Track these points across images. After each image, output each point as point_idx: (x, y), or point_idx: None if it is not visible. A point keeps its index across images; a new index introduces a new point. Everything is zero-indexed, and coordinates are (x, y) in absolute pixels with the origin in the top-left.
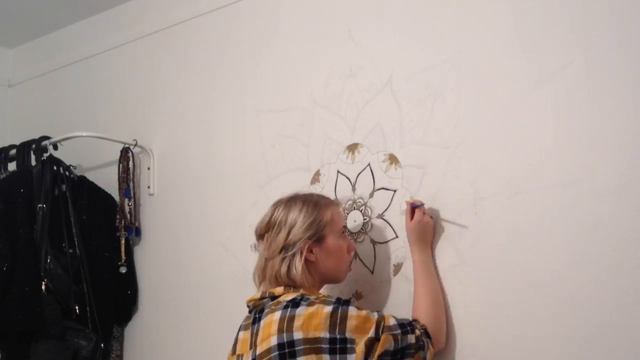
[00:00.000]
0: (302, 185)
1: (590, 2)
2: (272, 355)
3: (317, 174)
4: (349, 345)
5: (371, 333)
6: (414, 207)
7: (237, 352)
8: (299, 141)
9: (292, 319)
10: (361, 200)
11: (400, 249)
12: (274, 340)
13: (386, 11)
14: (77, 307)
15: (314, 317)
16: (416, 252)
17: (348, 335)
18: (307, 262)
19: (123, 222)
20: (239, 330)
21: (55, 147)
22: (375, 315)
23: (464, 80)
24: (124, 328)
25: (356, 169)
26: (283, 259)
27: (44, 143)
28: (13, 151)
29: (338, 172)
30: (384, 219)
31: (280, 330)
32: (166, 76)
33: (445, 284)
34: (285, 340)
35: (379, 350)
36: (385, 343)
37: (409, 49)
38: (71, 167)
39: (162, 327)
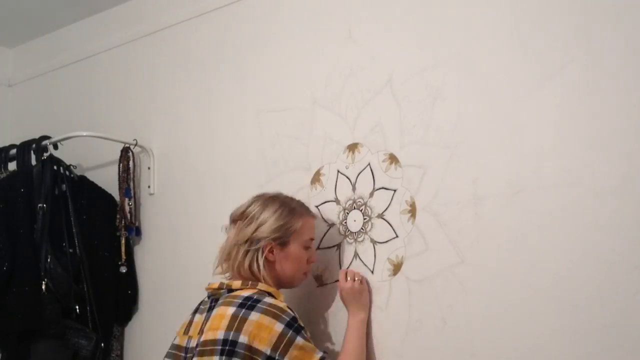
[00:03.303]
0: (302, 184)
1: (590, 2)
2: (215, 347)
3: (317, 173)
4: None
5: None
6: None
7: (190, 334)
8: (299, 141)
9: (243, 321)
10: (361, 200)
11: (400, 249)
12: (220, 334)
13: (386, 11)
14: (77, 307)
15: (263, 330)
16: (350, 314)
17: None
18: (265, 261)
19: (123, 222)
20: (194, 312)
21: (56, 147)
22: (318, 356)
23: (464, 80)
24: (124, 327)
25: (356, 169)
26: (247, 252)
27: (44, 143)
28: (13, 151)
29: (338, 171)
30: (384, 219)
31: (229, 328)
32: (166, 76)
33: (445, 283)
34: (230, 338)
35: None
36: None
37: (409, 49)
38: (71, 167)
39: (162, 326)
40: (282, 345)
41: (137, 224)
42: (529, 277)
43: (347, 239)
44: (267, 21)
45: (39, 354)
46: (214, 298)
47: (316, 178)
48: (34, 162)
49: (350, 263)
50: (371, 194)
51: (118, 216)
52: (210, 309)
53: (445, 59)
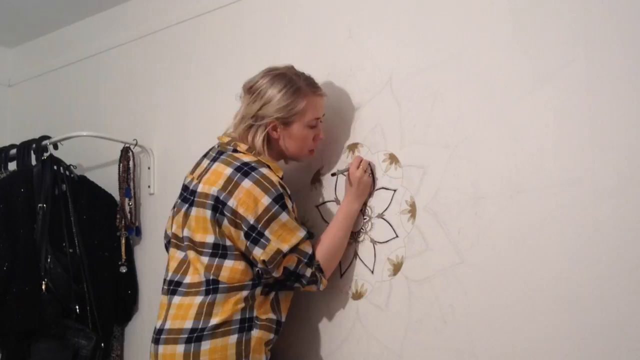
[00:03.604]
0: (302, 185)
1: (590, 2)
2: (207, 202)
3: (318, 173)
4: (262, 240)
5: (285, 248)
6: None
7: (194, 175)
8: None
9: (236, 186)
10: None
11: (400, 249)
12: (214, 191)
13: (386, 11)
14: (77, 307)
15: (250, 199)
16: (346, 200)
17: (266, 233)
18: (270, 137)
19: (123, 222)
20: (204, 156)
21: (56, 147)
22: (301, 234)
23: (464, 80)
24: (124, 327)
25: None
26: (250, 127)
27: (44, 143)
28: (13, 151)
29: (338, 171)
30: (384, 219)
31: (223, 188)
32: (166, 76)
33: (445, 283)
34: (221, 198)
35: (282, 264)
36: (289, 262)
37: (409, 49)
38: (71, 167)
39: None
40: (265, 218)
41: (137, 224)
42: (529, 277)
43: None
44: (267, 21)
45: (39, 354)
46: (220, 150)
47: (316, 178)
48: (34, 162)
49: (350, 263)
50: (371, 194)
51: (118, 216)
52: (215, 159)
53: (445, 59)
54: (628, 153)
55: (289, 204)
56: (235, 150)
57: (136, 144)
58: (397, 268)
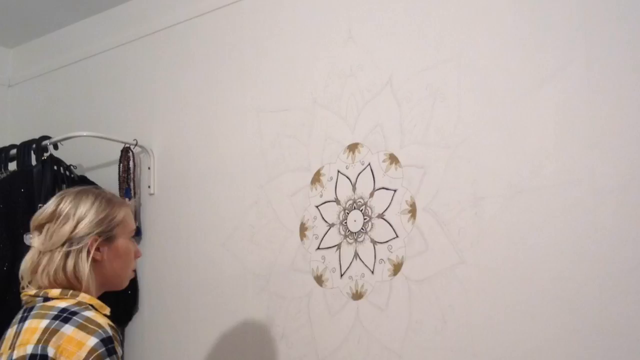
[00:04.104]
0: (302, 185)
1: (590, 2)
2: None
3: (318, 173)
4: None
5: None
6: None
7: (1, 350)
8: (299, 141)
9: (54, 333)
10: (361, 200)
11: (400, 249)
12: (29, 349)
13: (386, 11)
14: None
15: (73, 344)
16: None
17: None
18: (92, 262)
19: None
20: (9, 326)
21: (56, 147)
22: None
23: (464, 80)
24: (124, 328)
25: (356, 169)
26: (67, 254)
27: (44, 143)
28: (13, 151)
29: (338, 171)
30: (384, 219)
31: (39, 341)
32: (166, 76)
33: (445, 283)
34: (39, 352)
35: None
36: None
37: (409, 49)
38: (71, 167)
39: (162, 327)
40: None
41: (137, 224)
42: (529, 277)
43: (347, 239)
44: (267, 21)
45: None
46: (29, 307)
47: (316, 178)
48: (34, 162)
49: (350, 263)
50: (371, 194)
51: None
52: (23, 319)
53: (445, 59)
54: (628, 153)
55: (119, 351)
56: (46, 299)
57: (136, 144)
58: (397, 268)
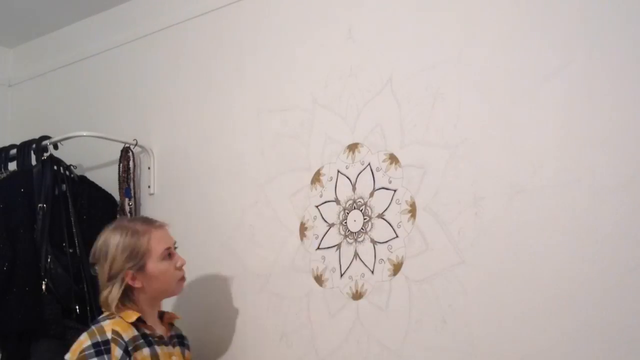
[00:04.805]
0: (302, 185)
1: (591, 2)
2: None
3: (318, 173)
4: None
5: None
6: None
7: None
8: (299, 141)
9: (74, 341)
10: (361, 200)
11: (400, 249)
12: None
13: (386, 11)
14: (77, 307)
15: (76, 344)
16: None
17: None
18: (134, 288)
19: None
20: None
21: (56, 147)
22: None
23: (464, 80)
24: None
25: (356, 169)
26: (112, 288)
27: (44, 143)
28: (13, 151)
29: (338, 171)
30: (384, 219)
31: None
32: (166, 76)
33: (445, 283)
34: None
35: None
36: None
37: (409, 49)
38: (71, 167)
39: None
40: (76, 357)
41: None
42: (529, 277)
43: (347, 239)
44: (267, 21)
45: (39, 354)
46: None
47: (316, 178)
48: (34, 162)
49: (350, 263)
50: (371, 194)
51: (118, 216)
52: None
53: (445, 59)
54: (628, 153)
55: (117, 351)
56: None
57: (136, 144)
58: (397, 268)
